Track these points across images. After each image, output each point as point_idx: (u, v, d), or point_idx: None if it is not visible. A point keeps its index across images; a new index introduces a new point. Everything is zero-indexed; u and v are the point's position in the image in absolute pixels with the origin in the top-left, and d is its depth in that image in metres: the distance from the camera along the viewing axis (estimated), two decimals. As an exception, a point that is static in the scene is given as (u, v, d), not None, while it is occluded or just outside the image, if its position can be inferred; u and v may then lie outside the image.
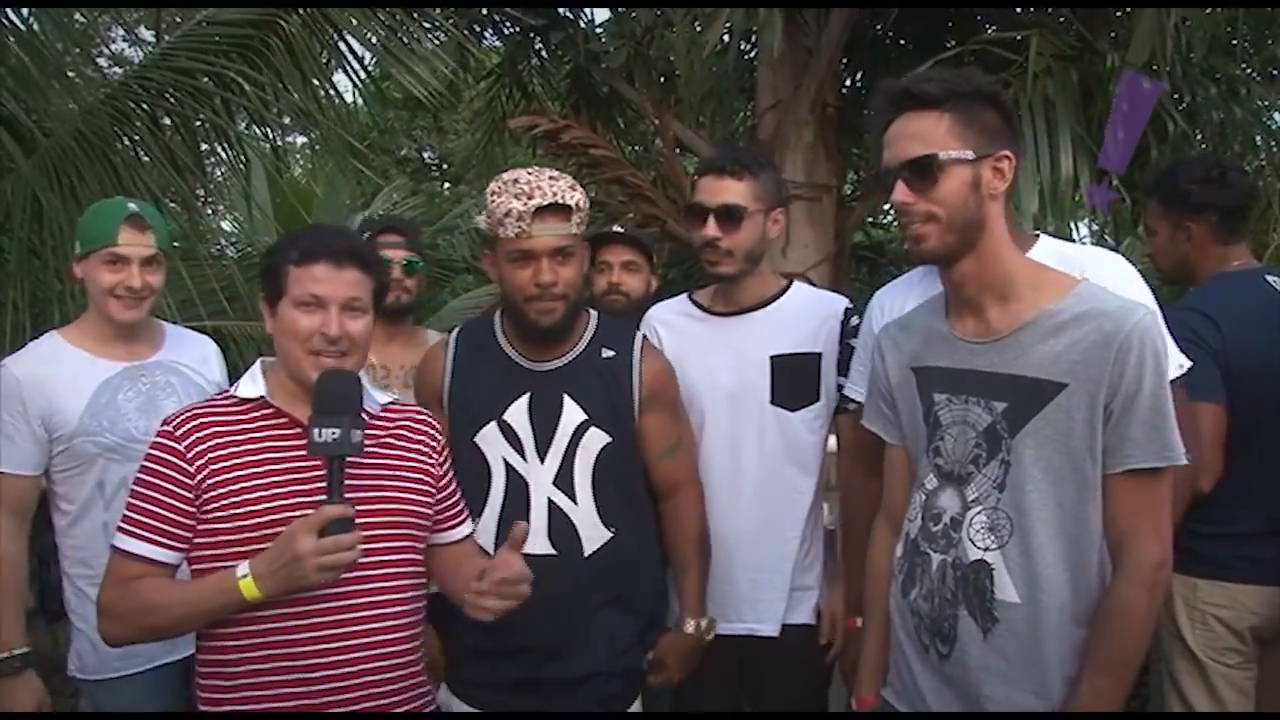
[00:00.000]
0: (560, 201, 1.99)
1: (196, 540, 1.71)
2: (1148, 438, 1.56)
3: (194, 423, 1.74)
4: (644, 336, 2.26)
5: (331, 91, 4.50)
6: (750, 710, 2.43)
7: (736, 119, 6.34)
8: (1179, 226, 2.55)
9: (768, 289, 2.39)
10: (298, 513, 1.64)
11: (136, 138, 4.16)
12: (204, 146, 4.61)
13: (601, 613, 2.10)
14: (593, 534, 2.10)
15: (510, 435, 2.11)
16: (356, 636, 1.71)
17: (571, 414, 2.10)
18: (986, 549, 1.63)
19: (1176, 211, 2.55)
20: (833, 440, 2.44)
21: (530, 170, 2.06)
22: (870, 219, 6.71)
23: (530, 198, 1.97)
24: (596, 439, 2.11)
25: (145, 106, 4.22)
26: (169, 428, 1.74)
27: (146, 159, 4.22)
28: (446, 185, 15.47)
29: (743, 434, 2.33)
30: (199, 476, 1.69)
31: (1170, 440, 1.56)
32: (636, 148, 7.46)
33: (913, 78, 1.70)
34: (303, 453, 1.70)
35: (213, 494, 1.69)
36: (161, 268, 2.36)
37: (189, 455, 1.70)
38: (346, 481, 1.66)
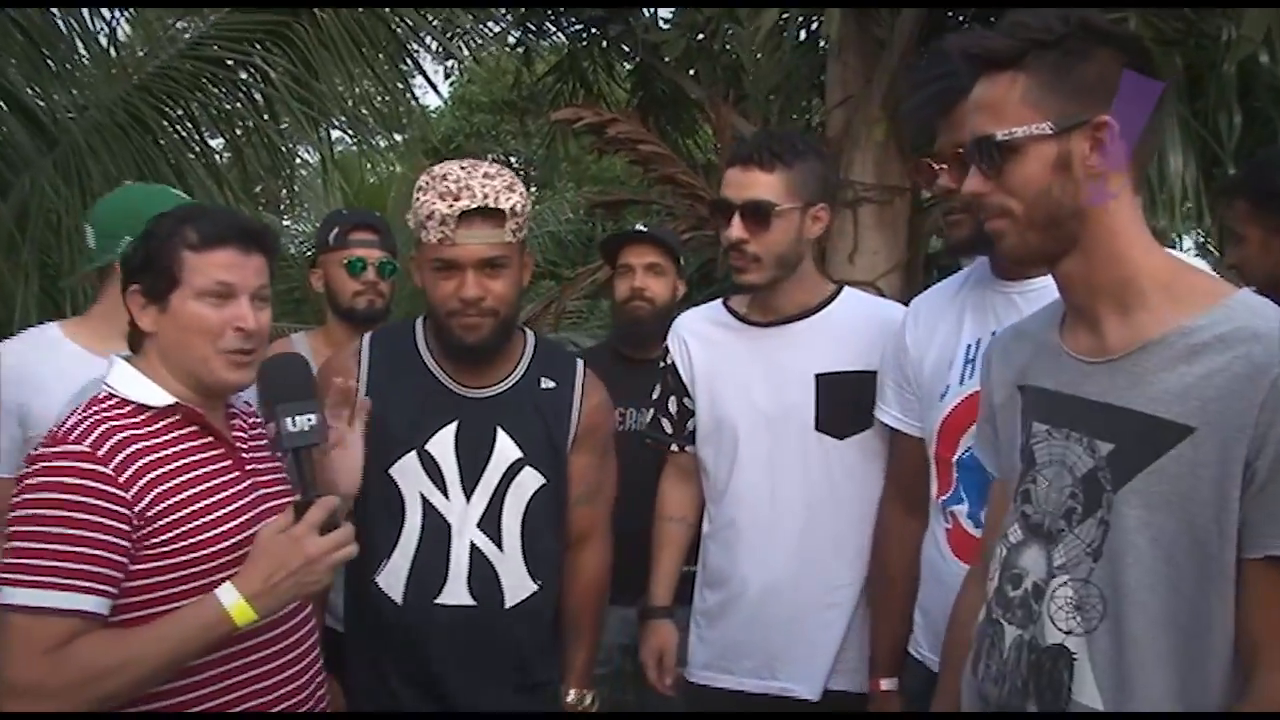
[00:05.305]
0: (491, 205, 1.74)
1: (129, 583, 1.45)
2: None
3: (115, 438, 1.46)
4: (585, 366, 2.03)
5: (410, 96, 4.55)
6: None
7: (805, 115, 5.97)
8: (1273, 231, 2.14)
9: (812, 296, 2.09)
10: (249, 531, 1.51)
11: (161, 137, 4.10)
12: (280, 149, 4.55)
13: (505, 690, 1.88)
14: (516, 585, 1.88)
15: (431, 468, 1.86)
16: (308, 640, 1.65)
17: (505, 450, 1.88)
18: (1070, 632, 1.25)
19: (1269, 214, 2.15)
20: None
21: (464, 164, 1.81)
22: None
23: (457, 199, 1.74)
24: (531, 480, 1.89)
25: (179, 101, 4.19)
26: (85, 447, 1.44)
27: (195, 156, 4.20)
28: (534, 189, 15.49)
29: (782, 465, 2.04)
30: (139, 506, 1.44)
31: None
32: (704, 147, 7.16)
33: (996, 26, 1.31)
34: (226, 464, 1.57)
35: (158, 524, 1.46)
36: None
37: (122, 480, 1.43)
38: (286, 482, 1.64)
